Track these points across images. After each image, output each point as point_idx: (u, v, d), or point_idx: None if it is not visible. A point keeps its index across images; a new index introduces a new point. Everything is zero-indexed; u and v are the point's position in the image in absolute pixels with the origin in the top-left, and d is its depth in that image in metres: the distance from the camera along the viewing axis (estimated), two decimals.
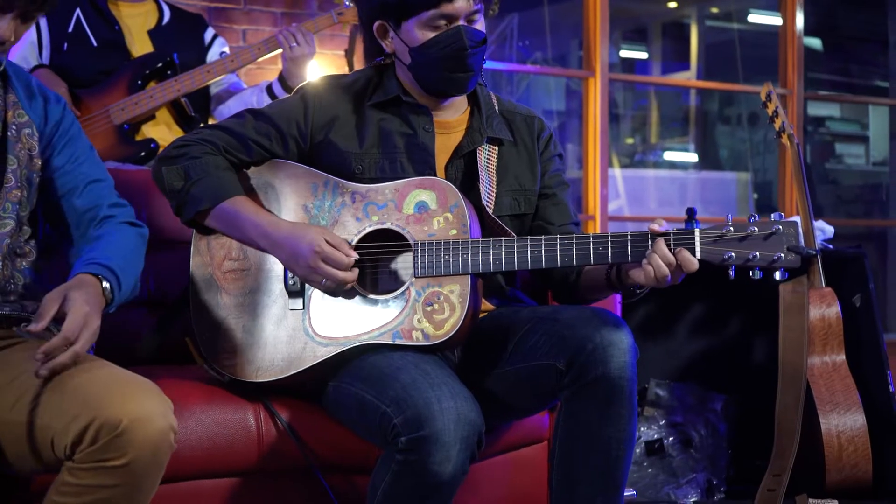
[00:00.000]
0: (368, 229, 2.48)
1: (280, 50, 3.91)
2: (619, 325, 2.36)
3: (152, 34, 4.05)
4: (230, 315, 2.53)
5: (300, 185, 2.55)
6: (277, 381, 2.48)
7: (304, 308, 2.48)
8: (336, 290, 2.44)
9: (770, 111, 3.74)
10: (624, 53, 10.20)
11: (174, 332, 2.66)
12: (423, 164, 2.56)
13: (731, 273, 2.33)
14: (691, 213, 3.32)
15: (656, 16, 9.89)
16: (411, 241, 2.44)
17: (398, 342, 2.39)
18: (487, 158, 2.61)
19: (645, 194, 9.17)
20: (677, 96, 9.79)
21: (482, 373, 2.51)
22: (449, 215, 2.43)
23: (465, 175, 2.60)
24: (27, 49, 4.02)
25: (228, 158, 2.55)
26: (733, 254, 2.30)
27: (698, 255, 2.31)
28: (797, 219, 3.69)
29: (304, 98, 2.60)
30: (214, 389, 2.53)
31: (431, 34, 2.49)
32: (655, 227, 2.33)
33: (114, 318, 3.00)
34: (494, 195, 2.58)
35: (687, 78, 9.59)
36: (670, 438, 3.84)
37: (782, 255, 2.29)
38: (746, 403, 3.97)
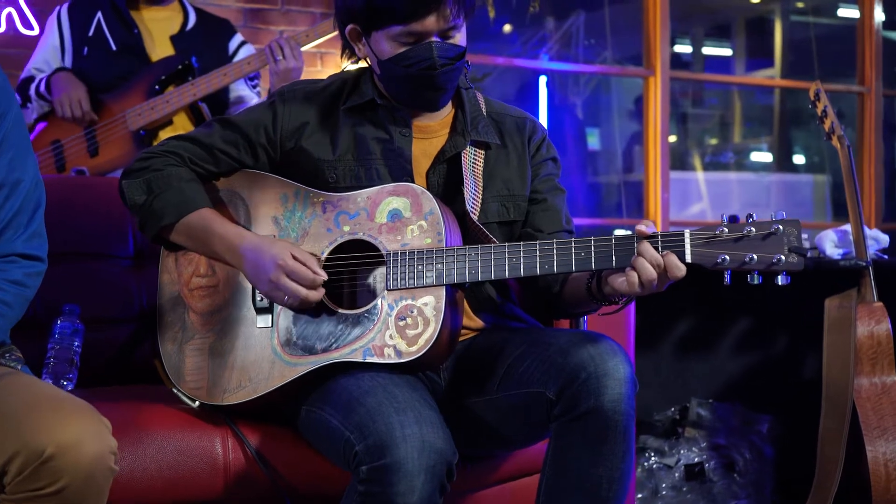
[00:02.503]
0: (340, 240, 2.32)
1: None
2: (616, 353, 2.17)
3: (175, 39, 3.96)
4: (197, 335, 2.38)
5: (270, 196, 2.39)
6: (246, 404, 2.32)
7: (272, 325, 2.32)
8: (300, 308, 2.27)
9: (819, 111, 3.48)
10: (707, 50, 9.90)
11: (143, 351, 2.50)
12: (400, 171, 2.39)
13: (727, 278, 2.12)
14: (733, 220, 3.11)
15: (740, 11, 9.57)
16: (383, 252, 2.26)
17: (369, 360, 2.23)
18: (473, 162, 2.42)
19: (727, 197, 8.88)
20: (751, 94, 9.45)
21: (472, 398, 2.35)
22: (423, 223, 2.26)
23: (448, 181, 2.42)
24: (49, 52, 3.96)
25: (194, 170, 2.41)
26: (727, 256, 2.09)
27: (688, 258, 2.11)
28: (852, 226, 3.42)
29: (273, 104, 2.44)
30: (179, 413, 2.37)
31: (400, 49, 2.32)
32: (643, 227, 2.13)
33: (103, 333, 2.91)
34: (480, 201, 2.40)
35: (770, 76, 9.25)
36: (711, 462, 3.62)
37: (782, 256, 2.07)
38: (794, 425, 3.73)
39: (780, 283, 2.10)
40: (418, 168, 2.42)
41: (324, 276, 2.24)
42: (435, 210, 2.26)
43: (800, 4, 9.39)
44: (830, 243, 3.56)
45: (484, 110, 2.49)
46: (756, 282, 2.10)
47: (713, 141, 9.70)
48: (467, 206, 2.35)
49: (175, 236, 2.38)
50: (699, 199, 8.66)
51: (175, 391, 2.40)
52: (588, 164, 7.53)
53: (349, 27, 2.38)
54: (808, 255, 2.10)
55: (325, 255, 2.31)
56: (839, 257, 3.49)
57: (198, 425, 2.35)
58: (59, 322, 2.81)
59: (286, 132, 2.41)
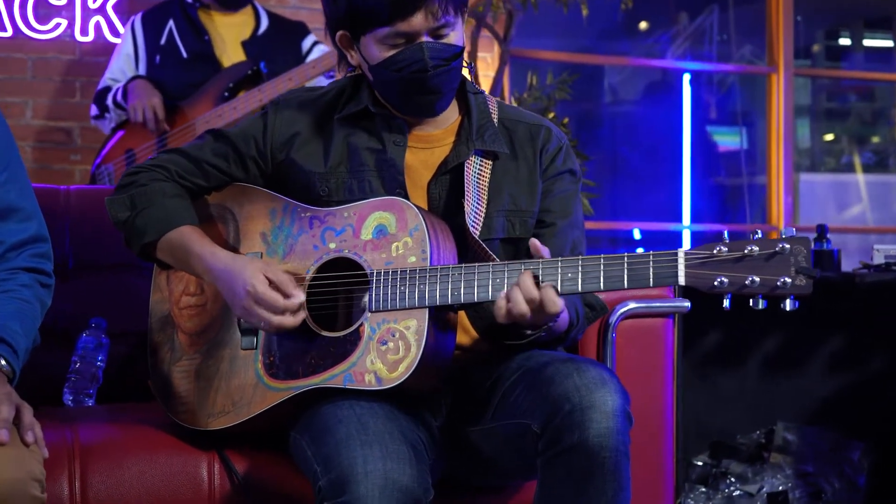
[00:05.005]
0: (325, 258, 2.19)
1: None
2: (605, 383, 1.99)
3: (246, 45, 3.95)
4: (185, 356, 2.30)
5: (259, 211, 2.29)
6: (231, 429, 2.22)
7: (256, 348, 2.21)
8: (278, 333, 2.16)
9: None
10: (868, 42, 9.46)
11: (140, 368, 2.43)
12: (392, 183, 2.25)
13: (727, 303, 1.92)
14: (822, 230, 2.86)
15: None
16: (367, 271, 2.13)
17: (349, 386, 2.10)
18: (478, 174, 2.26)
19: (888, 199, 8.47)
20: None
21: (470, 427, 2.21)
22: (408, 240, 2.12)
23: (451, 193, 2.27)
24: (123, 61, 3.98)
25: (183, 184, 2.31)
26: (725, 279, 1.90)
27: (682, 280, 1.92)
28: None
29: (265, 115, 2.34)
30: (166, 437, 2.29)
31: (389, 52, 2.17)
32: (539, 247, 2.03)
33: (131, 347, 2.86)
34: (483, 215, 2.24)
35: None
36: (797, 491, 3.40)
37: (788, 279, 1.87)
38: (890, 453, 3.43)
39: (787, 309, 1.89)
40: (419, 179, 2.28)
41: (299, 297, 2.11)
42: (420, 226, 2.11)
43: None
44: None
45: (495, 117, 2.32)
46: (760, 307, 1.90)
47: (875, 139, 9.25)
48: (467, 220, 2.19)
49: (159, 254, 2.29)
50: (858, 201, 8.29)
51: (167, 414, 2.32)
52: (719, 166, 7.24)
53: (339, 34, 2.25)
54: (818, 276, 1.88)
55: (310, 274, 2.19)
56: None
57: (184, 449, 2.26)
58: (83, 336, 2.78)
59: (277, 143, 2.30)
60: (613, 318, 2.49)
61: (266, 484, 2.24)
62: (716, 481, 3.48)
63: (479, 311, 2.26)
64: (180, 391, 2.28)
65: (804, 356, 3.68)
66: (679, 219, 6.59)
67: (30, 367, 2.64)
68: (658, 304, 2.53)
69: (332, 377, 2.11)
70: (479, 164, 2.27)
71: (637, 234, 6.71)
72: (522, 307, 1.97)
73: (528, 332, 2.12)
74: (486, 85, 4.63)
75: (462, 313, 2.26)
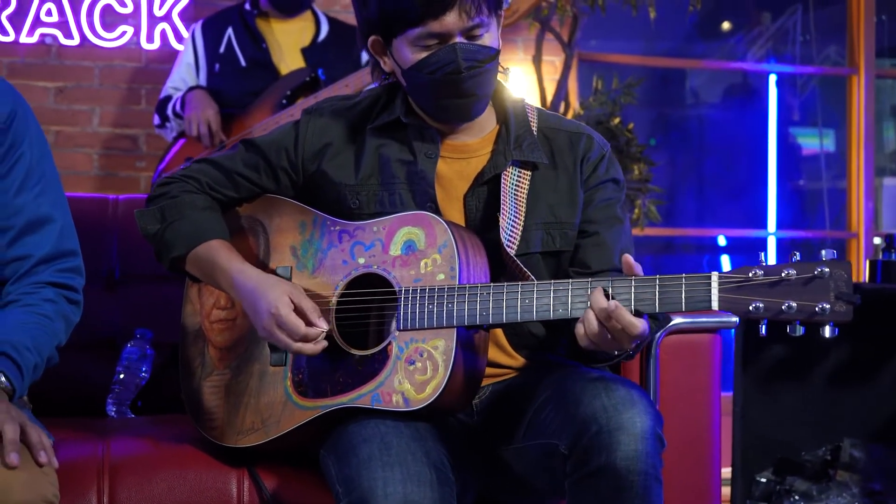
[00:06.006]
0: (354, 274, 2.14)
1: None
2: (633, 403, 1.92)
3: (306, 52, 3.92)
4: (215, 371, 2.27)
5: (289, 224, 2.25)
6: (260, 447, 2.19)
7: (285, 365, 2.17)
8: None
9: None
10: None
11: (177, 379, 2.41)
12: (424, 196, 2.19)
13: (763, 329, 1.84)
14: (890, 240, 2.76)
15: None
16: (396, 288, 2.07)
17: (377, 406, 2.05)
18: (516, 185, 2.19)
19: None
20: None
21: (503, 445, 2.15)
22: (437, 256, 2.06)
23: (488, 205, 2.20)
24: (184, 70, 3.98)
25: (213, 196, 2.28)
26: (761, 304, 1.82)
27: (715, 304, 1.84)
28: None
29: (297, 124, 2.29)
30: (196, 452, 2.26)
31: (422, 54, 2.11)
32: (632, 263, 1.92)
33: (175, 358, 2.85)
34: (521, 228, 2.17)
35: None
36: None
37: (828, 305, 1.79)
38: None
39: (826, 336, 1.80)
40: (455, 191, 2.22)
41: (321, 328, 2.07)
42: (449, 242, 2.05)
43: None
44: None
45: (535, 126, 2.25)
46: (798, 334, 1.81)
47: None
48: (502, 236, 2.12)
49: (188, 267, 2.26)
50: None
51: (198, 429, 2.30)
52: (799, 170, 7.05)
53: (371, 39, 2.20)
54: (859, 302, 1.79)
55: (338, 290, 2.14)
56: None
57: (214, 465, 2.23)
58: (128, 346, 2.78)
59: (308, 154, 2.26)
60: (657, 334, 2.41)
61: (296, 502, 2.20)
62: (780, 498, 3.37)
63: (516, 329, 2.21)
64: (210, 406, 2.25)
65: (871, 370, 3.53)
66: (763, 225, 6.43)
67: (74, 377, 2.67)
68: (704, 319, 2.45)
69: (360, 397, 2.07)
70: (517, 176, 2.20)
71: (722, 241, 6.56)
72: (593, 326, 1.89)
73: (616, 352, 2.05)
74: (550, 89, 4.55)
75: (499, 330, 2.21)
